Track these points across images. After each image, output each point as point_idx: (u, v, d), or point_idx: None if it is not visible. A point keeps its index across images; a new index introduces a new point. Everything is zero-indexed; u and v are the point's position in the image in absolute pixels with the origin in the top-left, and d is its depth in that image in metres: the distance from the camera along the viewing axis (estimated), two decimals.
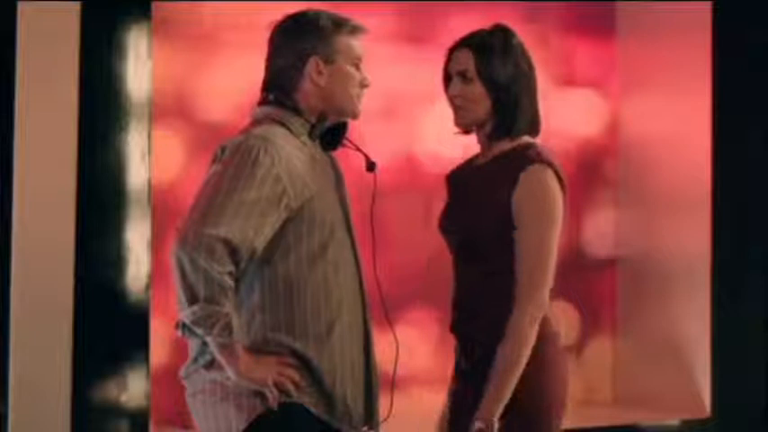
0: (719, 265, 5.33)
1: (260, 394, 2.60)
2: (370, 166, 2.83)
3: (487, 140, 2.90)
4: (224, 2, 4.79)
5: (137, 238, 4.25)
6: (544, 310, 2.77)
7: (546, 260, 2.78)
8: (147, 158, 4.27)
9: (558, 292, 5.96)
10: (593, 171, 5.75)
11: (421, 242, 5.24)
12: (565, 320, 5.67)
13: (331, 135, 2.80)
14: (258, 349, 2.61)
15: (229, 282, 2.54)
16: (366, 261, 2.81)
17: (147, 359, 4.25)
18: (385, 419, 2.83)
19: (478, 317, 2.83)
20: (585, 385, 5.70)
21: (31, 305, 4.05)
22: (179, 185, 4.70)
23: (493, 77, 2.85)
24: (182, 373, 2.72)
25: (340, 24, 2.75)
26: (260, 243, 2.58)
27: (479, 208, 2.82)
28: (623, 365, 5.72)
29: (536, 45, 5.65)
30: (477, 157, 2.98)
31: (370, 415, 2.78)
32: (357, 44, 2.77)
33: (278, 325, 2.63)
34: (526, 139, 2.88)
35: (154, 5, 4.35)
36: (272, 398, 2.59)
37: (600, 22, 5.75)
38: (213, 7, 4.79)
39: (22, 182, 4.05)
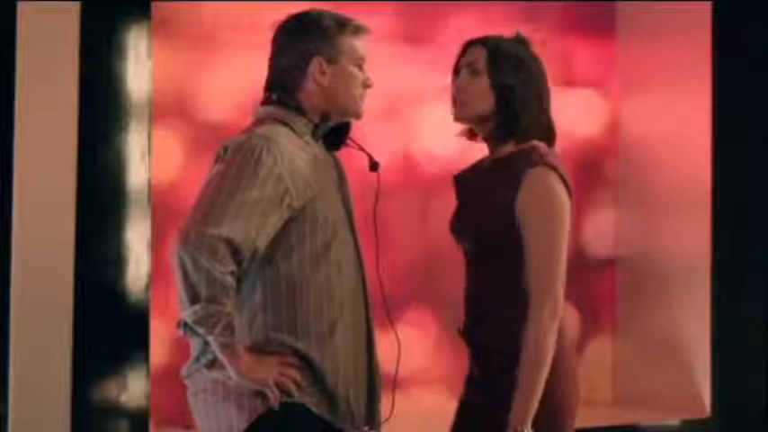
0: (719, 265, 5.33)
1: (261, 394, 2.60)
2: (374, 166, 2.83)
3: (492, 142, 2.89)
4: (224, 2, 4.79)
5: (137, 238, 4.25)
6: (561, 308, 2.75)
7: (556, 259, 2.76)
8: (147, 158, 4.27)
9: None
10: (593, 171, 5.75)
11: (420, 242, 5.25)
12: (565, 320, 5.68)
13: (334, 135, 2.80)
14: (260, 349, 2.61)
15: (231, 281, 2.54)
16: (368, 261, 2.81)
17: (147, 359, 4.25)
18: (387, 419, 2.83)
19: (487, 322, 2.83)
20: (585, 385, 5.64)
21: (31, 305, 4.05)
22: (179, 185, 4.70)
23: (501, 74, 2.83)
24: (183, 372, 2.72)
25: (343, 25, 2.75)
26: (262, 243, 2.58)
27: (483, 211, 2.81)
28: (623, 365, 5.72)
29: (535, 45, 5.69)
30: (483, 159, 2.96)
31: (372, 415, 2.78)
32: (360, 45, 2.77)
33: (280, 324, 2.63)
34: (533, 142, 2.86)
35: (154, 5, 4.35)
36: (274, 398, 2.59)
37: (600, 22, 5.75)
38: (213, 7, 4.79)
39: (22, 182, 4.05)
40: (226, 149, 2.66)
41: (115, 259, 4.23)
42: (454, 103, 2.90)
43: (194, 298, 2.53)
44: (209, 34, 4.82)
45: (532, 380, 2.68)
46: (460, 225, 2.89)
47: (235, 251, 2.53)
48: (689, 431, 5.30)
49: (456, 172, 3.01)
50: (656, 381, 5.51)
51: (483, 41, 2.88)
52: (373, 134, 4.92)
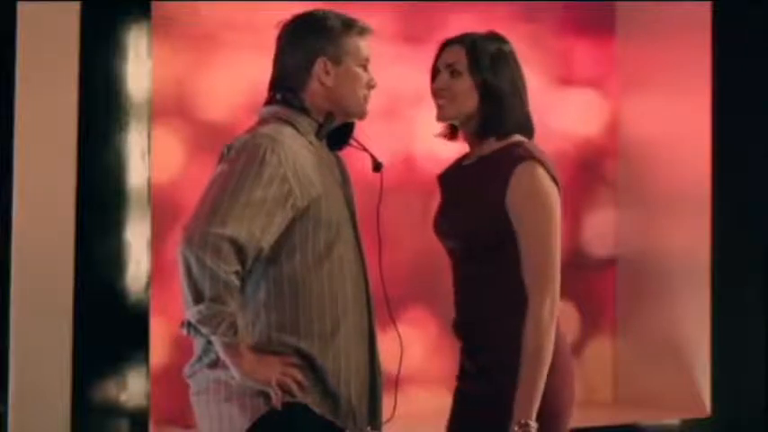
0: (719, 265, 5.33)
1: (264, 394, 2.59)
2: (377, 167, 2.83)
3: (475, 140, 2.90)
4: (224, 2, 4.79)
5: (137, 237, 4.25)
6: (559, 304, 2.75)
7: (552, 253, 2.77)
8: (146, 158, 4.27)
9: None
10: (592, 171, 5.75)
11: (420, 242, 5.25)
12: (565, 320, 5.68)
13: (338, 135, 2.79)
14: (262, 349, 2.61)
15: (235, 281, 2.54)
16: (370, 261, 2.81)
17: (146, 359, 4.25)
18: (389, 420, 2.83)
19: (480, 320, 2.83)
20: (585, 385, 5.70)
21: (31, 305, 4.05)
22: (179, 185, 4.70)
23: (482, 72, 2.85)
24: (186, 371, 2.72)
25: (348, 25, 2.75)
26: (266, 243, 2.58)
27: (471, 210, 2.82)
28: (623, 365, 5.72)
29: (536, 45, 5.71)
30: (464, 157, 2.97)
31: (373, 415, 2.77)
32: (365, 45, 2.77)
33: (283, 324, 2.63)
34: (515, 137, 2.87)
35: (154, 5, 4.35)
36: (276, 398, 2.58)
37: (600, 22, 5.75)
38: (213, 7, 4.79)
39: (22, 182, 4.05)
40: (230, 149, 2.65)
41: (115, 259, 4.23)
42: (436, 105, 2.91)
43: (198, 297, 2.53)
44: (209, 34, 4.82)
45: (535, 374, 2.70)
46: (448, 224, 2.89)
47: (239, 251, 2.53)
48: (689, 431, 5.30)
49: (439, 172, 3.02)
50: (656, 381, 5.51)
51: (460, 41, 2.89)
52: (374, 134, 4.92)
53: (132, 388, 4.21)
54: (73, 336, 4.09)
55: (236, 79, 4.78)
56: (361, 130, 2.87)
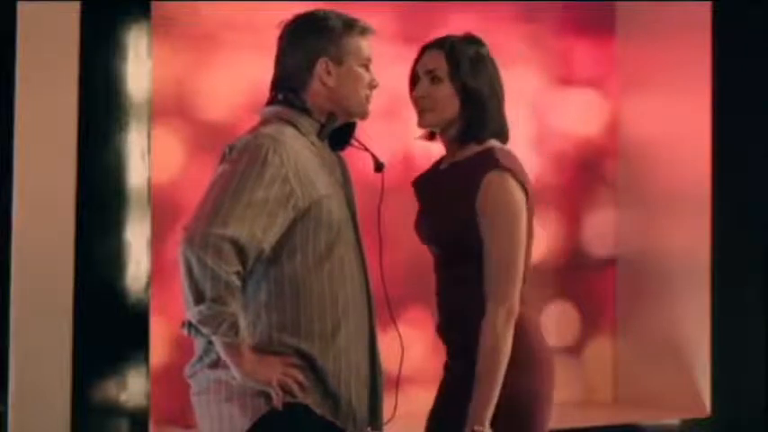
0: (719, 265, 5.33)
1: (264, 394, 2.59)
2: (378, 167, 2.83)
3: (453, 144, 2.90)
4: (224, 2, 4.79)
5: (137, 237, 4.25)
6: (516, 312, 2.76)
7: (512, 262, 2.76)
8: (146, 158, 4.27)
9: (557, 292, 6.00)
10: (592, 171, 5.75)
11: (420, 242, 5.24)
12: (565, 320, 5.69)
13: (339, 135, 2.80)
14: (263, 349, 2.61)
15: (236, 282, 2.54)
16: (371, 261, 2.81)
17: (146, 359, 4.25)
18: (389, 420, 2.83)
19: (457, 321, 2.85)
20: (585, 385, 5.70)
21: (31, 305, 4.04)
22: (179, 185, 4.70)
23: (463, 79, 2.86)
24: (187, 371, 2.72)
25: (350, 25, 2.75)
26: (268, 243, 2.58)
27: (445, 214, 2.84)
28: (623, 366, 5.72)
29: (536, 45, 5.71)
30: (440, 161, 2.98)
31: (374, 416, 2.77)
32: (366, 45, 2.77)
33: (283, 325, 2.62)
34: (491, 143, 2.87)
35: (154, 5, 4.35)
36: (277, 398, 2.58)
37: (600, 22, 5.75)
38: (213, 7, 4.79)
39: (22, 182, 4.04)
40: (231, 149, 2.65)
41: (115, 259, 4.22)
42: (417, 111, 2.91)
43: (199, 298, 2.53)
44: (209, 34, 4.82)
45: (488, 380, 2.72)
46: (426, 229, 2.92)
47: (240, 251, 2.53)
48: (689, 431, 5.30)
49: (415, 177, 3.03)
50: (656, 381, 5.51)
51: (440, 45, 2.89)
52: (374, 134, 4.92)
53: (132, 388, 4.21)
54: (73, 336, 4.09)
55: (236, 79, 4.78)
56: (362, 130, 2.87)
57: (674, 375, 5.42)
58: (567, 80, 5.67)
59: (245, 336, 2.57)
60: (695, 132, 5.38)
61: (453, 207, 2.81)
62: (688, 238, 5.42)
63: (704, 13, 5.32)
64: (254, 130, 2.70)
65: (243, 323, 2.56)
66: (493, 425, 2.72)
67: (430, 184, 2.96)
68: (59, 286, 4.09)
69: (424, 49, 2.91)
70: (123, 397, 4.21)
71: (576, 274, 5.68)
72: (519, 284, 2.77)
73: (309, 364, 2.62)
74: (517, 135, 5.87)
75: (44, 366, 4.07)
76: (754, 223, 5.41)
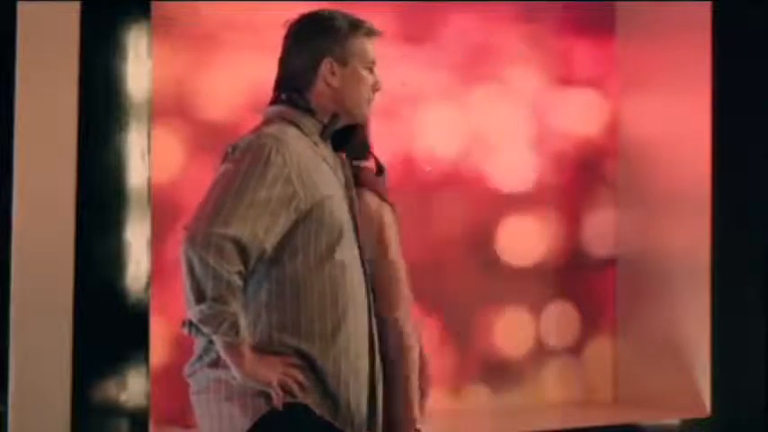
0: (719, 265, 5.33)
1: (265, 394, 2.59)
2: (380, 170, 2.84)
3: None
4: (224, 1, 4.79)
5: (137, 237, 4.24)
6: (409, 311, 2.85)
7: (392, 265, 2.84)
8: (146, 158, 4.27)
9: (557, 292, 6.00)
10: (592, 171, 5.75)
11: (420, 242, 5.25)
12: (565, 320, 5.68)
13: (343, 136, 2.79)
14: (263, 349, 2.61)
15: (238, 281, 2.54)
16: None
17: (146, 359, 4.25)
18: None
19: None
20: (585, 385, 5.70)
21: (31, 305, 4.04)
22: (179, 185, 4.70)
23: None
24: (186, 370, 2.71)
25: (356, 26, 2.75)
26: (269, 244, 2.58)
27: None
28: (623, 366, 5.72)
29: (536, 45, 5.71)
30: None
31: (373, 417, 2.76)
32: (371, 47, 2.77)
33: (284, 325, 2.62)
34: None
35: (154, 5, 4.35)
36: (277, 398, 2.58)
37: (600, 22, 5.75)
38: (213, 7, 4.79)
39: (22, 182, 4.04)
40: (234, 148, 2.64)
41: (115, 259, 4.22)
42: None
43: (200, 297, 2.52)
44: (209, 34, 4.82)
45: (406, 375, 2.80)
46: None
47: (242, 251, 2.53)
48: (689, 431, 5.30)
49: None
50: (656, 381, 5.51)
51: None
52: (373, 134, 4.92)
53: (132, 388, 4.21)
54: (73, 336, 4.08)
55: (236, 79, 4.78)
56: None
57: (674, 375, 5.42)
58: (567, 80, 5.67)
59: (246, 335, 2.57)
60: (695, 132, 5.38)
61: None
62: (688, 238, 5.42)
63: (704, 13, 5.32)
64: (256, 129, 2.70)
65: (243, 323, 2.56)
66: None
67: None
68: (59, 286, 4.09)
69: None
70: (123, 397, 4.21)
71: (576, 274, 5.68)
72: (404, 285, 2.87)
73: (309, 365, 2.62)
74: (517, 135, 5.92)
75: (44, 366, 4.07)
76: (754, 223, 5.41)
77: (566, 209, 5.69)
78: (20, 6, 4.03)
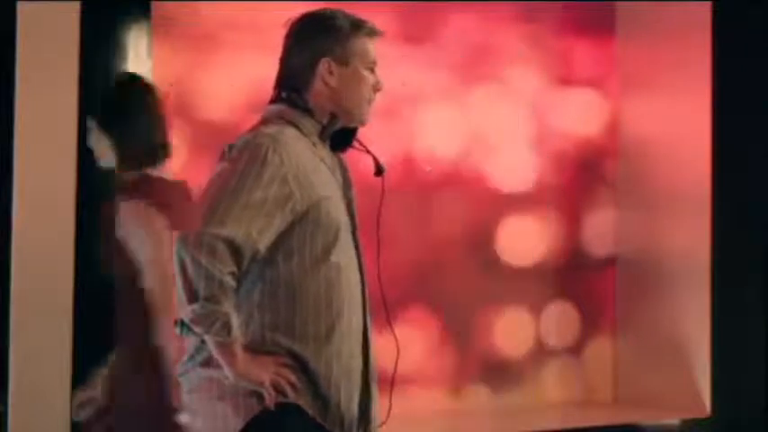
0: (719, 265, 5.33)
1: (257, 394, 2.58)
2: (379, 171, 2.80)
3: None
4: (224, 1, 4.79)
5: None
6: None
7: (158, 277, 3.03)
8: None
9: (557, 292, 6.00)
10: (592, 171, 5.75)
11: (420, 242, 5.25)
12: (565, 320, 5.68)
13: (342, 137, 2.77)
14: (256, 349, 2.59)
15: (231, 281, 2.53)
16: (369, 263, 2.79)
17: None
18: (383, 423, 2.81)
19: None
20: (585, 385, 5.70)
21: (31, 305, 4.04)
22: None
23: None
24: (177, 370, 2.71)
25: (357, 26, 2.72)
26: (264, 244, 2.56)
27: None
28: (623, 365, 5.72)
29: (536, 45, 5.71)
30: None
31: (365, 419, 2.74)
32: (372, 47, 2.74)
33: (277, 325, 2.61)
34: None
35: (154, 5, 4.35)
36: (270, 398, 2.57)
37: (600, 22, 5.75)
38: (213, 7, 4.79)
39: (22, 182, 4.04)
40: (231, 148, 2.63)
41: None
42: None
43: (192, 297, 2.51)
44: (209, 34, 4.82)
45: None
46: None
47: (235, 251, 2.52)
48: (689, 431, 5.30)
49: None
50: (656, 381, 5.51)
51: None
52: (373, 134, 4.91)
53: None
54: (73, 336, 4.08)
55: (237, 79, 4.78)
56: (362, 131, 2.86)
57: (674, 375, 5.42)
58: (567, 80, 5.67)
59: (238, 335, 2.56)
60: (695, 132, 5.39)
61: None
62: (688, 238, 5.42)
63: (704, 13, 5.32)
64: (254, 128, 2.69)
65: (236, 323, 2.55)
66: None
67: None
68: (59, 286, 4.09)
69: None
70: None
71: (576, 274, 5.68)
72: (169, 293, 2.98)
73: (302, 366, 2.61)
74: (517, 135, 5.92)
75: (44, 366, 4.07)
76: (754, 223, 5.41)
77: (566, 209, 5.69)
78: (20, 6, 4.03)
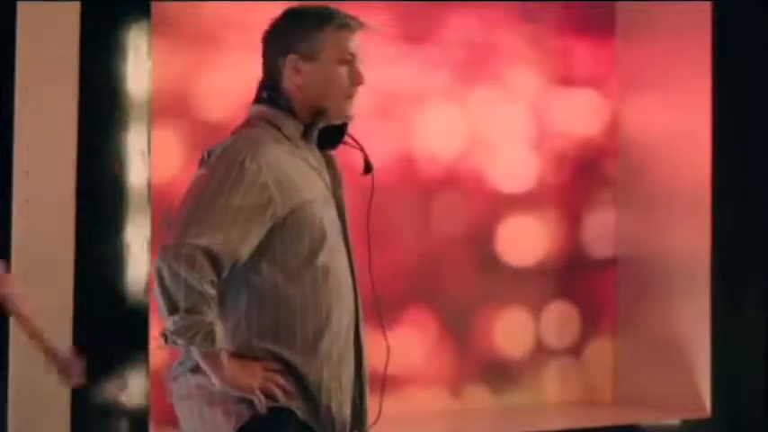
0: (719, 265, 5.33)
1: (247, 400, 2.55)
2: (368, 168, 2.76)
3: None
4: (224, 2, 4.79)
5: (137, 237, 4.24)
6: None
7: None
8: (146, 158, 4.27)
9: (558, 292, 6.00)
10: (592, 171, 5.75)
11: (420, 242, 5.25)
12: (565, 320, 5.68)
13: (331, 133, 2.72)
14: (243, 354, 2.56)
15: (211, 291, 2.49)
16: (362, 263, 2.78)
17: (146, 359, 4.25)
18: (373, 423, 2.78)
19: None
20: (586, 385, 5.70)
21: (31, 305, 4.04)
22: (179, 185, 4.69)
23: None
24: (169, 374, 2.68)
25: (326, 19, 2.64)
26: (244, 251, 2.53)
27: None
28: (623, 366, 5.72)
29: (536, 45, 5.71)
30: None
31: (359, 423, 2.72)
32: (347, 39, 2.65)
33: (264, 331, 2.57)
34: None
35: (154, 5, 4.35)
36: (260, 405, 2.54)
37: (600, 22, 5.75)
38: (213, 7, 4.79)
39: (21, 182, 4.04)
40: (210, 154, 2.60)
41: (115, 259, 4.22)
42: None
43: (173, 308, 2.48)
44: (209, 34, 4.82)
45: None
46: None
47: (214, 260, 2.48)
48: (689, 431, 5.30)
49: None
50: (656, 381, 5.51)
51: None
52: (373, 134, 4.91)
53: (132, 388, 4.21)
54: (73, 336, 4.08)
55: (237, 79, 4.77)
56: (360, 129, 2.84)
57: (674, 376, 5.42)
58: (566, 80, 5.67)
59: (223, 344, 2.52)
60: (695, 132, 5.38)
61: None
62: (688, 238, 5.42)
63: (704, 13, 5.32)
64: (235, 132, 2.66)
65: (220, 331, 2.51)
66: None
67: None
68: (59, 286, 4.09)
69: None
70: (123, 397, 4.21)
71: (577, 275, 5.68)
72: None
73: (290, 370, 2.58)
74: (517, 135, 5.93)
75: (44, 367, 4.06)
76: (754, 223, 5.41)
77: (566, 209, 5.68)
78: (20, 6, 4.03)
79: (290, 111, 2.66)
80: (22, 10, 4.03)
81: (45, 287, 4.06)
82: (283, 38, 2.67)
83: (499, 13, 5.49)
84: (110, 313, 4.22)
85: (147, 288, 4.26)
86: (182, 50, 4.78)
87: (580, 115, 5.71)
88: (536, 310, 5.60)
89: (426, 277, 5.27)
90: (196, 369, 2.58)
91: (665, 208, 5.54)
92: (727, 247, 5.35)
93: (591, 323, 5.72)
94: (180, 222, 2.53)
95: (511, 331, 5.52)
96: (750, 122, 5.40)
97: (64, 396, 4.07)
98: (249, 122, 2.69)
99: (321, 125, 2.69)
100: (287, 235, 2.58)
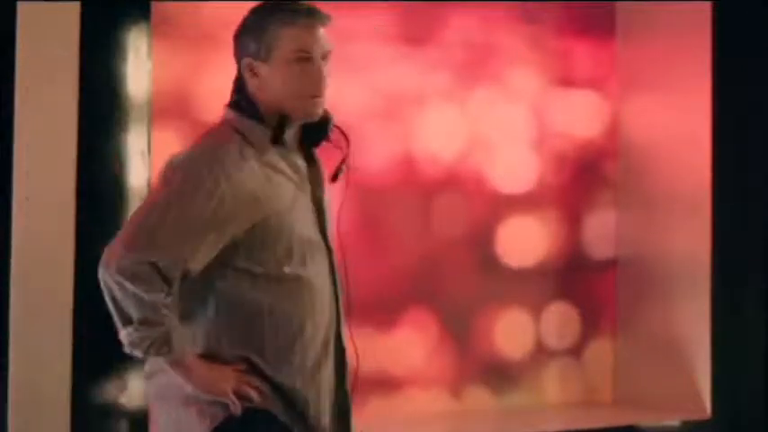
0: (719, 265, 5.33)
1: (221, 401, 2.52)
2: (335, 175, 2.65)
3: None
4: (224, 2, 4.78)
5: None
6: None
7: None
8: (146, 158, 4.27)
9: (558, 293, 6.00)
10: (592, 172, 5.75)
11: (420, 243, 5.25)
12: (565, 321, 5.68)
13: (316, 130, 2.62)
14: (214, 357, 2.53)
15: (163, 300, 2.45)
16: (356, 268, 2.72)
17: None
18: None
19: None
20: (585, 386, 5.70)
21: (31, 305, 4.04)
22: None
23: None
24: (145, 371, 2.65)
25: (278, 17, 2.55)
26: (196, 264, 2.47)
27: None
28: (623, 366, 5.72)
29: (536, 45, 5.71)
30: None
31: (344, 429, 2.68)
32: (299, 36, 2.54)
33: (234, 340, 2.53)
34: None
35: (154, 5, 4.35)
36: (234, 407, 2.51)
37: (600, 23, 5.75)
38: (213, 7, 4.79)
39: (21, 182, 4.04)
40: (169, 165, 2.56)
41: None
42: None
43: (125, 320, 2.47)
44: (209, 34, 4.82)
45: None
46: None
47: (160, 273, 2.44)
48: (689, 431, 5.29)
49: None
50: (656, 381, 5.51)
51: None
52: (373, 135, 4.91)
53: (132, 388, 4.21)
54: (73, 336, 4.08)
55: None
56: (360, 130, 2.83)
57: (674, 376, 5.42)
58: (566, 81, 5.67)
59: (184, 348, 2.48)
60: (695, 132, 5.38)
61: None
62: (688, 239, 5.41)
63: (704, 13, 5.32)
64: (203, 136, 2.61)
65: (178, 337, 2.47)
66: None
67: None
68: (59, 286, 4.09)
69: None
70: (123, 397, 4.21)
71: (577, 275, 5.68)
72: None
73: (265, 377, 2.54)
74: (517, 136, 5.92)
75: (44, 366, 4.06)
76: (754, 224, 5.41)
77: (566, 209, 5.68)
78: (20, 6, 4.03)
79: (256, 115, 2.58)
80: (22, 10, 4.03)
81: (45, 287, 4.06)
82: (241, 39, 2.61)
83: (499, 13, 5.48)
84: (110, 313, 4.21)
85: None
86: (182, 51, 4.78)
87: (580, 116, 5.71)
88: (536, 310, 5.60)
89: (426, 278, 5.26)
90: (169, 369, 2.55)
91: (665, 209, 5.54)
92: (728, 247, 5.35)
93: (591, 324, 5.72)
94: (125, 235, 2.49)
95: (511, 332, 5.52)
96: (750, 123, 5.40)
97: (64, 396, 4.06)
98: (217, 128, 2.62)
99: (286, 128, 2.58)
100: (251, 247, 2.51)
